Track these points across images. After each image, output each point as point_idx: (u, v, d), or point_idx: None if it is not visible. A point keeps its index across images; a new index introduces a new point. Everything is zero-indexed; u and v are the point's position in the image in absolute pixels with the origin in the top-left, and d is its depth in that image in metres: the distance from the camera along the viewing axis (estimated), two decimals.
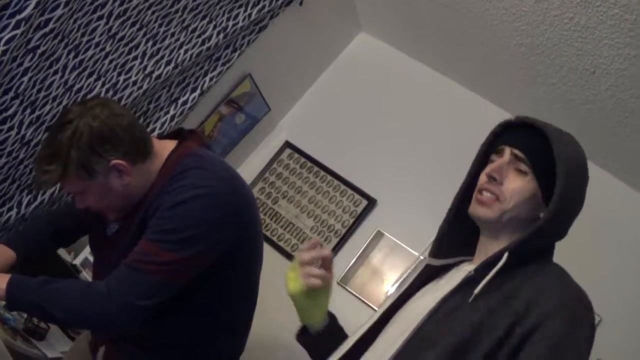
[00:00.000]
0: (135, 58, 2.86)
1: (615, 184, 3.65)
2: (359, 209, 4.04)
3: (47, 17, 2.29)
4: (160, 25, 2.89)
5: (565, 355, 1.36)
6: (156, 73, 2.94)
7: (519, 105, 3.59)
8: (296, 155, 4.28)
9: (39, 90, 2.49)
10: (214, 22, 3.14)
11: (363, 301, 3.77)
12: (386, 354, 1.51)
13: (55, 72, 2.53)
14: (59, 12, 2.30)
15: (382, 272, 3.86)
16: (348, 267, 3.88)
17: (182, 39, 3.03)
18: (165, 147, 2.10)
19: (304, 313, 1.80)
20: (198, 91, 3.32)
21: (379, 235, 3.95)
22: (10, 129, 2.44)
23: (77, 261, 3.12)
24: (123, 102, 2.83)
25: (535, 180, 1.57)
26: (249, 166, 4.30)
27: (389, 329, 1.66)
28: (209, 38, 3.13)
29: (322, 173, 4.18)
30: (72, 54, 2.57)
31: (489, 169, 1.62)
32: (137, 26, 2.78)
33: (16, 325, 2.65)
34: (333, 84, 4.49)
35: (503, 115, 1.78)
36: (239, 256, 2.14)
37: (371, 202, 4.04)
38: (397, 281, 3.81)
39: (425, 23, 3.85)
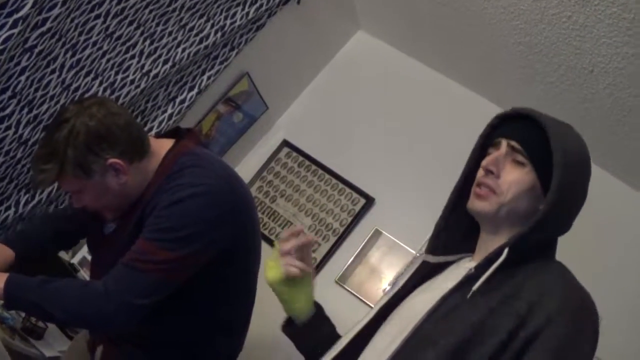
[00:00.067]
0: (132, 57, 2.86)
1: (614, 183, 3.66)
2: (357, 208, 4.03)
3: (45, 16, 2.28)
4: (157, 24, 2.89)
5: None
6: (154, 72, 2.94)
7: (517, 103, 3.53)
8: (294, 154, 4.28)
9: (36, 90, 2.49)
10: (211, 21, 3.14)
11: (361, 300, 3.77)
12: (385, 353, 1.49)
13: (53, 71, 2.53)
14: (56, 11, 2.30)
15: (380, 270, 3.86)
16: (346, 266, 3.88)
17: (179, 38, 3.03)
18: (162, 146, 2.10)
19: (286, 303, 1.78)
20: (196, 90, 3.32)
21: (377, 234, 3.94)
22: (8, 128, 2.44)
23: (75, 260, 3.12)
24: (121, 101, 2.83)
25: (534, 172, 1.54)
26: (246, 165, 4.29)
27: (387, 327, 1.64)
28: (207, 37, 3.13)
29: (320, 172, 4.18)
30: (70, 53, 2.56)
31: (485, 162, 1.59)
32: (135, 25, 2.78)
33: (14, 324, 2.65)
34: (331, 83, 4.49)
35: None
36: (237, 255, 2.14)
37: (369, 201, 4.04)
38: (389, 273, 3.81)
39: (424, 21, 3.85)
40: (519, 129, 1.59)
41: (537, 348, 1.33)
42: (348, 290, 3.83)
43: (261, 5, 3.33)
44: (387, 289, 1.80)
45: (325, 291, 3.65)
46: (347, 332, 1.72)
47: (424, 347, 1.42)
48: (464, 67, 4.01)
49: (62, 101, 2.60)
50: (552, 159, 1.47)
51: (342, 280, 3.85)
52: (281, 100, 4.36)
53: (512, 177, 1.54)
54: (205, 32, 3.12)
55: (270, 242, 3.90)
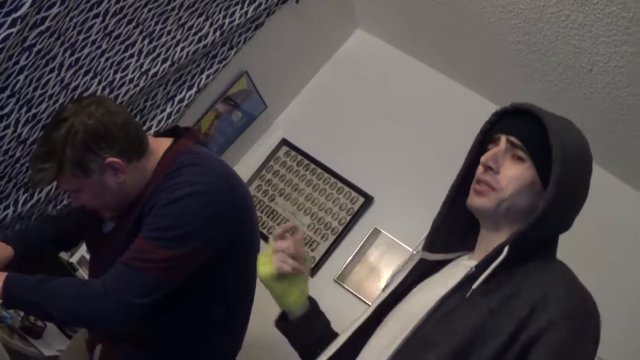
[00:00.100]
0: (131, 56, 2.86)
1: (612, 182, 3.65)
2: (356, 207, 4.03)
3: (43, 15, 2.28)
4: (156, 23, 2.89)
5: None
6: (152, 71, 2.94)
7: (516, 102, 3.59)
8: (293, 152, 4.28)
9: (35, 89, 2.49)
10: (210, 20, 3.14)
11: (360, 298, 3.77)
12: (384, 354, 1.47)
13: (52, 70, 2.52)
14: (54, 10, 2.30)
15: (379, 269, 3.86)
16: (345, 265, 3.88)
17: (178, 37, 3.03)
18: (160, 145, 2.10)
19: (279, 298, 1.76)
20: (194, 89, 3.32)
21: (375, 233, 3.95)
22: (7, 127, 2.44)
23: (74, 259, 3.12)
24: (119, 100, 2.83)
25: (534, 167, 1.52)
26: (245, 164, 4.30)
27: (385, 327, 1.63)
28: (206, 36, 3.13)
29: (319, 170, 4.18)
30: (68, 52, 2.56)
31: (484, 157, 1.57)
32: (134, 24, 2.78)
33: (13, 323, 2.65)
34: (330, 82, 4.49)
35: None
36: (236, 254, 2.14)
37: (368, 200, 4.04)
38: (388, 272, 3.81)
39: (422, 20, 3.85)
40: (518, 124, 1.57)
41: (538, 350, 1.31)
42: (347, 289, 3.83)
43: (260, 4, 3.33)
44: (384, 287, 1.77)
45: (324, 290, 3.67)
46: (344, 330, 1.70)
47: (424, 349, 1.41)
48: (463, 65, 4.01)
49: (61, 100, 2.60)
50: (552, 155, 1.46)
51: (341, 279, 3.85)
52: (280, 99, 4.36)
53: (511, 173, 1.53)
54: (204, 31, 3.12)
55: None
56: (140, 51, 2.89)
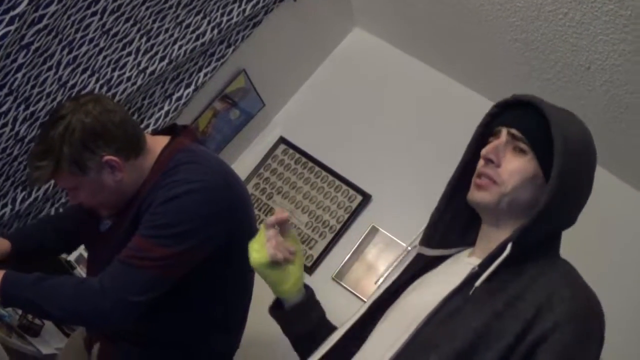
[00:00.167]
0: (129, 54, 2.86)
1: (611, 180, 3.66)
2: (354, 205, 4.04)
3: (41, 13, 2.28)
4: (154, 21, 2.89)
5: None
6: (150, 69, 2.94)
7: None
8: (291, 150, 4.28)
9: (33, 87, 2.48)
10: (208, 18, 3.14)
11: (358, 296, 3.78)
12: (386, 356, 1.43)
13: (50, 68, 2.52)
14: (52, 8, 2.30)
15: (377, 267, 3.86)
16: (343, 263, 3.88)
17: (176, 35, 3.03)
18: (158, 143, 2.10)
19: (274, 285, 1.70)
20: (192, 87, 3.31)
21: (373, 231, 3.95)
22: (5, 125, 2.44)
23: (72, 257, 3.11)
24: (117, 98, 2.83)
25: (536, 160, 1.48)
26: (243, 162, 4.29)
27: (385, 325, 1.60)
28: (203, 34, 3.12)
29: (317, 169, 4.18)
30: (66, 50, 2.56)
31: (484, 150, 1.53)
32: (131, 22, 2.78)
33: (11, 321, 2.65)
34: (327, 80, 4.49)
35: None
36: (233, 252, 2.14)
37: (366, 198, 4.04)
38: (386, 270, 3.81)
39: (420, 19, 3.85)
40: (520, 116, 1.54)
41: (546, 350, 1.28)
42: (345, 287, 3.83)
43: (258, 2, 3.33)
44: (379, 281, 1.75)
45: (322, 288, 3.64)
46: (341, 325, 1.68)
47: (425, 350, 1.37)
48: (461, 64, 4.01)
49: (58, 98, 2.60)
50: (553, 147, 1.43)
51: (338, 277, 3.85)
52: (278, 97, 4.36)
53: (513, 166, 1.49)
54: (201, 29, 3.12)
55: None
56: (138, 49, 2.89)
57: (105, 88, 2.79)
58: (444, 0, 3.50)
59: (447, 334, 1.37)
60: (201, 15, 3.11)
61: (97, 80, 2.76)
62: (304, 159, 4.23)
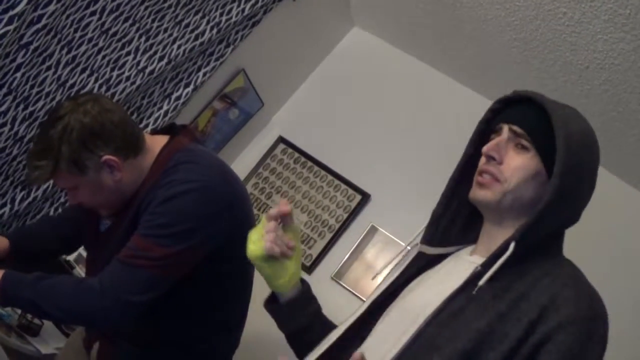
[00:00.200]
0: (128, 54, 2.86)
1: (610, 179, 3.66)
2: (353, 204, 4.04)
3: (40, 13, 2.28)
4: (153, 21, 2.89)
5: None
6: (149, 68, 2.94)
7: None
8: (290, 150, 4.28)
9: (32, 86, 2.48)
10: (207, 17, 3.14)
11: (357, 296, 3.78)
12: (387, 356, 1.41)
13: (49, 68, 2.52)
14: (51, 7, 2.30)
15: (376, 267, 3.86)
16: (342, 262, 3.89)
17: (175, 34, 3.02)
18: (157, 143, 2.10)
19: (268, 279, 1.64)
20: (191, 86, 3.31)
21: (372, 230, 3.95)
22: (4, 125, 2.44)
23: (71, 257, 3.11)
24: (116, 97, 2.83)
25: (538, 157, 1.46)
26: (242, 161, 4.29)
27: (384, 325, 1.58)
28: (202, 33, 3.12)
29: (316, 168, 4.18)
30: (65, 50, 2.56)
31: (486, 147, 1.50)
32: (130, 22, 2.78)
33: (10, 321, 2.64)
34: (326, 79, 4.49)
35: None
36: (232, 251, 2.13)
37: (365, 197, 4.04)
38: (384, 267, 3.82)
39: (419, 18, 3.85)
40: (521, 113, 1.52)
41: (549, 351, 1.27)
42: (344, 287, 3.84)
43: (257, 2, 3.33)
44: (379, 283, 1.72)
45: (321, 287, 3.64)
46: (340, 323, 1.66)
47: (427, 352, 1.36)
48: (459, 63, 4.01)
49: (57, 98, 2.60)
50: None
51: (338, 277, 3.86)
52: (277, 96, 4.36)
53: (515, 163, 1.47)
54: (200, 29, 3.12)
55: None
56: (137, 49, 2.89)
57: (104, 88, 2.79)
58: (443, 0, 3.50)
59: (450, 335, 1.35)
60: (200, 14, 3.11)
61: (96, 80, 2.76)
62: (303, 159, 4.23)
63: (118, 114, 1.99)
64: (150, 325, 2.13)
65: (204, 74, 3.35)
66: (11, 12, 2.12)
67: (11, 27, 2.13)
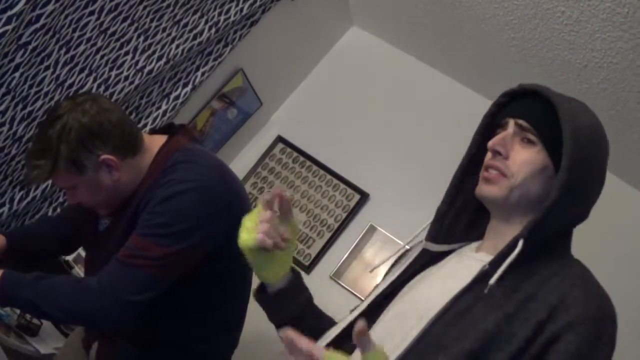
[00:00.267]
0: (126, 53, 2.86)
1: (609, 179, 3.64)
2: (352, 204, 4.04)
3: (39, 13, 2.28)
4: (151, 20, 2.89)
5: None
6: (148, 68, 2.94)
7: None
8: (288, 149, 4.28)
9: (30, 86, 2.48)
10: (205, 17, 3.14)
11: (356, 295, 3.77)
12: (391, 356, 1.34)
13: (47, 68, 2.52)
14: (50, 7, 2.30)
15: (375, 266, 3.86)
16: (341, 262, 3.88)
17: (173, 34, 3.02)
18: (155, 142, 2.10)
19: (257, 269, 1.60)
20: (190, 86, 3.31)
21: (371, 230, 3.95)
22: (2, 124, 2.44)
23: (70, 257, 3.11)
24: (115, 97, 2.83)
25: (545, 151, 1.43)
26: (241, 161, 4.29)
27: (387, 323, 1.54)
28: (201, 33, 3.12)
29: (315, 167, 4.18)
30: (64, 50, 2.56)
31: (491, 142, 1.47)
32: (129, 21, 2.78)
33: (10, 321, 2.64)
34: (325, 79, 4.49)
35: None
36: (231, 251, 2.13)
37: (364, 197, 4.04)
38: (382, 262, 3.81)
39: (418, 17, 3.85)
40: (527, 107, 1.49)
41: (558, 350, 1.25)
42: (343, 286, 3.83)
43: (255, 1, 3.33)
44: (380, 281, 1.69)
45: (319, 287, 3.65)
46: (341, 320, 1.63)
47: (433, 351, 1.33)
48: (458, 62, 4.01)
49: (56, 98, 2.60)
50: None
51: (336, 276, 3.86)
52: (275, 96, 4.36)
53: (522, 157, 1.45)
54: (199, 28, 3.12)
55: None
56: (136, 48, 2.89)
57: (102, 87, 2.79)
58: None
59: (457, 335, 1.32)
60: (199, 14, 3.11)
61: (95, 80, 2.76)
62: (301, 158, 4.23)
63: (116, 114, 1.99)
64: (149, 325, 2.13)
65: (203, 74, 3.34)
66: (10, 12, 2.11)
67: (10, 27, 2.13)
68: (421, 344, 1.36)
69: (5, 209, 2.67)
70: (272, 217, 1.52)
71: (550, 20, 3.05)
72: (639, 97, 3.11)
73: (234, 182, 2.18)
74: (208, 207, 1.98)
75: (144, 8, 2.80)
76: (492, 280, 1.34)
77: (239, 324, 2.40)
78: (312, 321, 1.65)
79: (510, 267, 1.35)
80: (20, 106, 2.48)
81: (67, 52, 2.58)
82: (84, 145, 1.92)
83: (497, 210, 1.52)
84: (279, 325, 1.65)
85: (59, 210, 2.95)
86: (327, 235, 3.98)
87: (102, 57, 2.75)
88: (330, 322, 1.68)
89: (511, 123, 1.49)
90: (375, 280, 3.77)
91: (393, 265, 1.82)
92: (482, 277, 1.37)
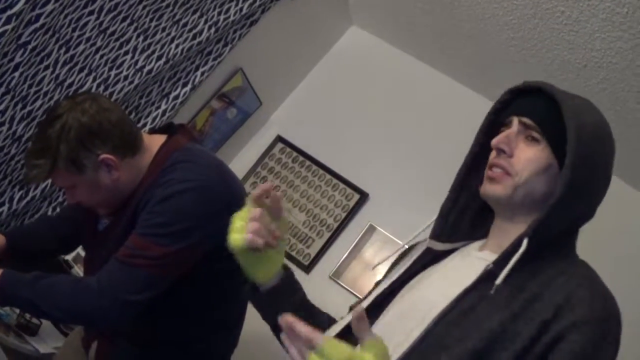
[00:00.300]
0: (126, 53, 2.85)
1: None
2: (351, 203, 4.04)
3: (38, 12, 2.28)
4: (151, 20, 2.89)
5: None
6: (147, 68, 2.94)
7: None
8: (288, 149, 4.28)
9: (30, 86, 2.48)
10: (205, 17, 3.14)
11: (355, 295, 3.77)
12: (393, 356, 1.33)
13: (47, 68, 2.52)
14: (49, 7, 2.30)
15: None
16: (340, 262, 3.88)
17: (173, 34, 3.02)
18: (155, 142, 2.10)
19: (246, 269, 1.57)
20: (189, 86, 3.31)
21: (371, 229, 3.95)
22: (2, 124, 2.44)
23: (69, 256, 3.11)
24: (114, 97, 2.83)
25: (550, 149, 1.42)
26: (240, 160, 4.29)
27: (388, 323, 1.52)
28: (200, 32, 3.12)
29: (314, 167, 4.18)
30: (63, 49, 2.56)
31: (495, 140, 1.46)
32: (128, 21, 2.78)
33: (9, 321, 2.64)
34: (324, 78, 4.49)
35: None
36: (230, 250, 2.14)
37: (363, 196, 4.04)
38: (384, 260, 3.81)
39: (417, 17, 3.85)
40: (531, 104, 1.49)
41: (562, 349, 1.24)
42: (342, 286, 3.83)
43: (255, 1, 3.32)
44: (380, 280, 1.67)
45: (319, 287, 3.67)
46: (339, 321, 1.62)
47: (436, 351, 1.32)
48: (457, 62, 4.01)
49: (55, 97, 2.60)
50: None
51: (336, 276, 3.85)
52: (275, 96, 4.36)
53: (526, 155, 1.44)
54: (198, 28, 3.12)
55: None
56: (135, 48, 2.89)
57: (102, 87, 2.79)
58: None
59: (460, 334, 1.31)
60: (198, 13, 3.10)
61: (95, 79, 2.76)
62: (301, 158, 4.23)
63: (116, 113, 1.99)
64: (148, 324, 2.13)
65: (202, 74, 3.34)
66: (9, 12, 2.11)
67: (9, 27, 2.13)
68: (424, 344, 1.35)
69: (5, 208, 2.67)
70: (262, 214, 1.49)
71: (549, 20, 3.05)
72: (638, 96, 3.11)
73: (233, 181, 2.18)
74: (207, 207, 1.98)
75: (144, 8, 2.80)
76: (499, 280, 1.33)
77: (238, 323, 2.40)
78: (308, 319, 1.59)
79: (516, 266, 1.34)
80: (19, 106, 2.48)
81: (66, 51, 2.58)
82: (84, 145, 1.92)
83: (501, 209, 1.51)
84: (273, 324, 1.64)
85: (58, 209, 2.95)
86: (327, 235, 3.98)
87: (101, 56, 2.75)
88: (325, 320, 1.68)
89: (515, 121, 1.48)
90: (374, 280, 3.77)
91: (394, 265, 1.81)
92: (487, 276, 1.36)
